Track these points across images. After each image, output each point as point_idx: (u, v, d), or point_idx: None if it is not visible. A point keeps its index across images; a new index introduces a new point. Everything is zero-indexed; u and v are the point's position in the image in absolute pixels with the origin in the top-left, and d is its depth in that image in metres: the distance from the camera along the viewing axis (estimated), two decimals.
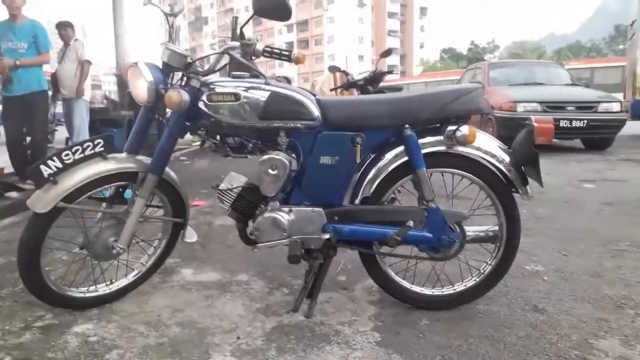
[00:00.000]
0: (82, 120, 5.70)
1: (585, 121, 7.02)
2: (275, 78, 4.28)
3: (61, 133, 9.86)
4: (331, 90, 5.68)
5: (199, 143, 7.53)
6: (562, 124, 6.95)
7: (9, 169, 4.59)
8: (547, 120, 6.41)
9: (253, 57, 1.85)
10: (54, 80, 5.80)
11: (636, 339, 1.70)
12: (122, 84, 7.19)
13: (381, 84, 5.20)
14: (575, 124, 7.03)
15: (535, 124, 1.85)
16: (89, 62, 5.63)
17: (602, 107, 7.19)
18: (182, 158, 7.37)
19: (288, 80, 5.34)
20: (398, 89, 7.16)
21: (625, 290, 2.13)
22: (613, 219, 3.36)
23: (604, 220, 3.30)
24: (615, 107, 7.26)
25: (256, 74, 1.87)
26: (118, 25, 7.65)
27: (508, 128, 6.63)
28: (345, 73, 5.63)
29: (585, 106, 7.17)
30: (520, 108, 7.10)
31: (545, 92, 7.69)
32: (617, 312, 1.91)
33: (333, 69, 5.98)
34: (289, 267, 2.34)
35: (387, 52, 5.30)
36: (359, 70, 5.57)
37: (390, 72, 5.61)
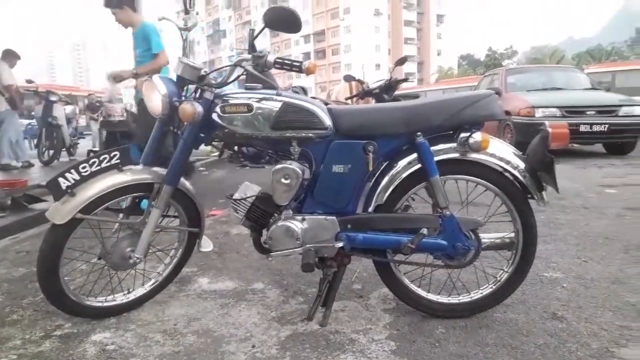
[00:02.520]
0: None
1: (606, 125, 6.91)
2: (292, 88, 4.33)
3: (83, 146, 10.07)
4: (346, 99, 5.70)
5: (217, 154, 7.62)
6: (582, 128, 6.85)
7: (32, 181, 4.70)
8: (561, 125, 6.32)
9: (265, 69, 1.87)
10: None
11: None
12: None
13: (397, 92, 5.20)
14: (595, 128, 6.91)
15: (550, 129, 1.83)
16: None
17: (624, 110, 7.05)
18: (200, 168, 7.44)
19: (304, 90, 5.38)
20: (415, 96, 7.15)
21: None
22: (635, 224, 3.28)
23: (625, 226, 3.23)
24: (638, 110, 7.10)
25: (270, 86, 1.89)
26: None
27: (526, 134, 6.54)
28: (361, 82, 5.64)
29: (606, 110, 7.05)
30: (539, 113, 7.01)
31: (564, 96, 7.59)
32: None
33: (348, 78, 6.01)
34: (303, 276, 2.36)
35: (402, 60, 5.30)
36: (376, 79, 5.57)
37: (405, 80, 5.60)
